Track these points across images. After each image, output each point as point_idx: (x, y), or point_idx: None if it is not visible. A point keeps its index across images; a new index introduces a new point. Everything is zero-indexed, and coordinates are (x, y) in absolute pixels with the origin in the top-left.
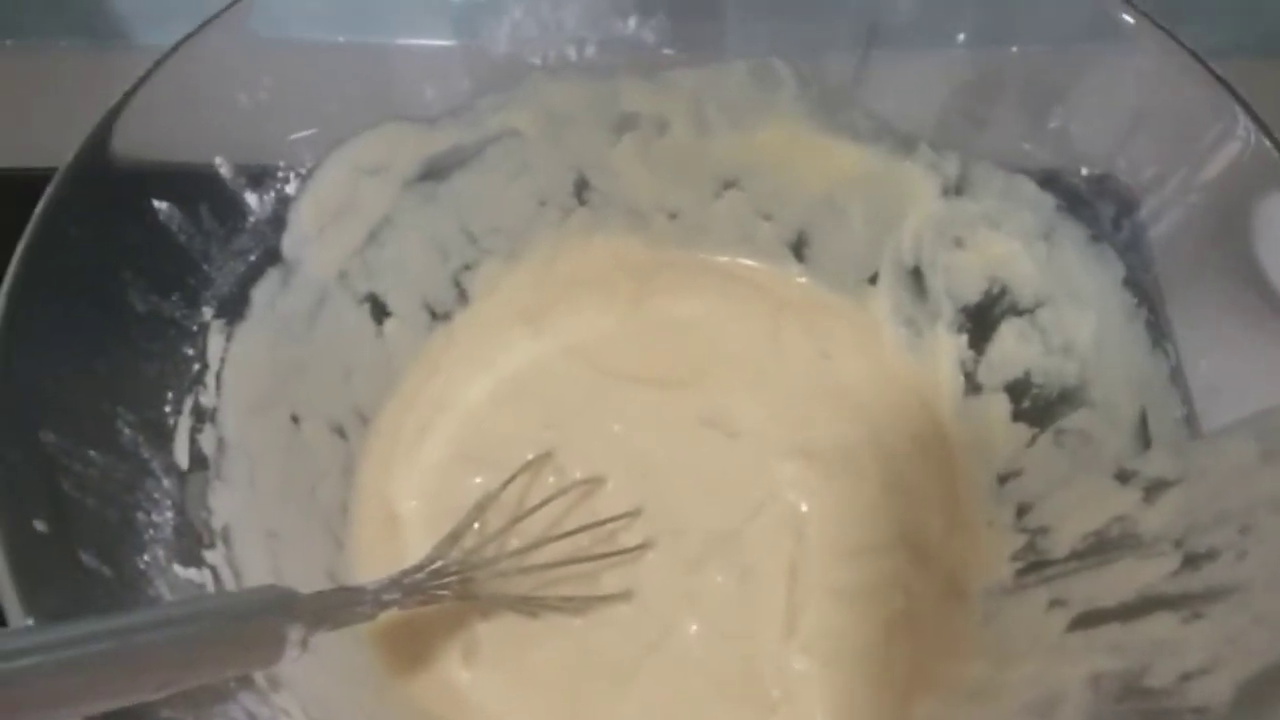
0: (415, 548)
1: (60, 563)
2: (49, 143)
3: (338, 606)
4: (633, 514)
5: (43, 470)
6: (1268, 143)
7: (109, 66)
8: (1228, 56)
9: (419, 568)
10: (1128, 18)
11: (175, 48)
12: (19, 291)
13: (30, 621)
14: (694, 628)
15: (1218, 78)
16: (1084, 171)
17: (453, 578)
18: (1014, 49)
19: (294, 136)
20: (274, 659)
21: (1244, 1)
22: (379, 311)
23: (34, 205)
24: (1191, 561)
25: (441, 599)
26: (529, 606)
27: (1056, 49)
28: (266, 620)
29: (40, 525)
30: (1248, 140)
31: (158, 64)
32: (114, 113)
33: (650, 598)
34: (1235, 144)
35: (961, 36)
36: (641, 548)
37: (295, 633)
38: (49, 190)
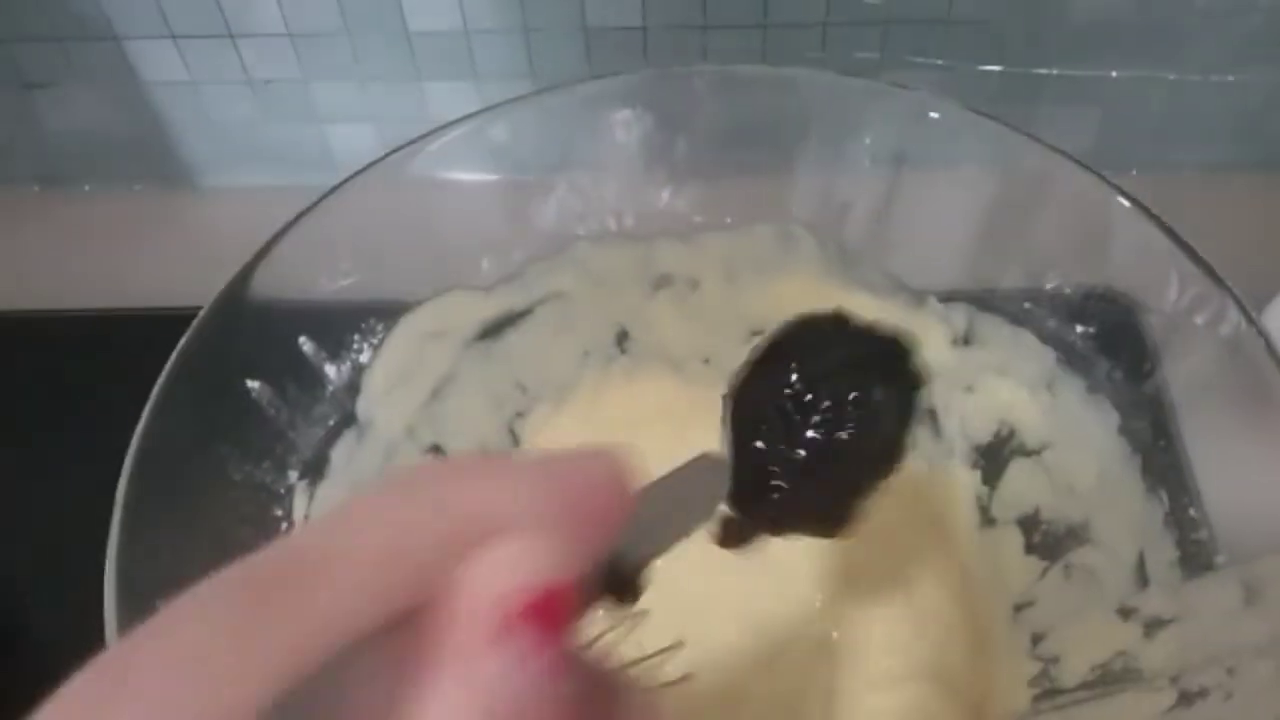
0: None
1: None
2: (124, 283)
3: None
4: (676, 646)
5: None
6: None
7: (176, 209)
8: (1230, 171)
9: None
10: (1122, 201)
11: (261, 253)
12: (136, 476)
13: None
14: None
15: (1201, 262)
16: (1079, 329)
17: None
18: (1015, 217)
19: (369, 313)
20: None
21: (1245, 119)
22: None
23: (110, 343)
24: (1186, 699)
25: None
26: None
27: (1047, 215)
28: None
29: None
30: (1237, 325)
31: (247, 269)
32: (209, 315)
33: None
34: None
35: (966, 205)
36: (685, 679)
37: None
38: (157, 387)
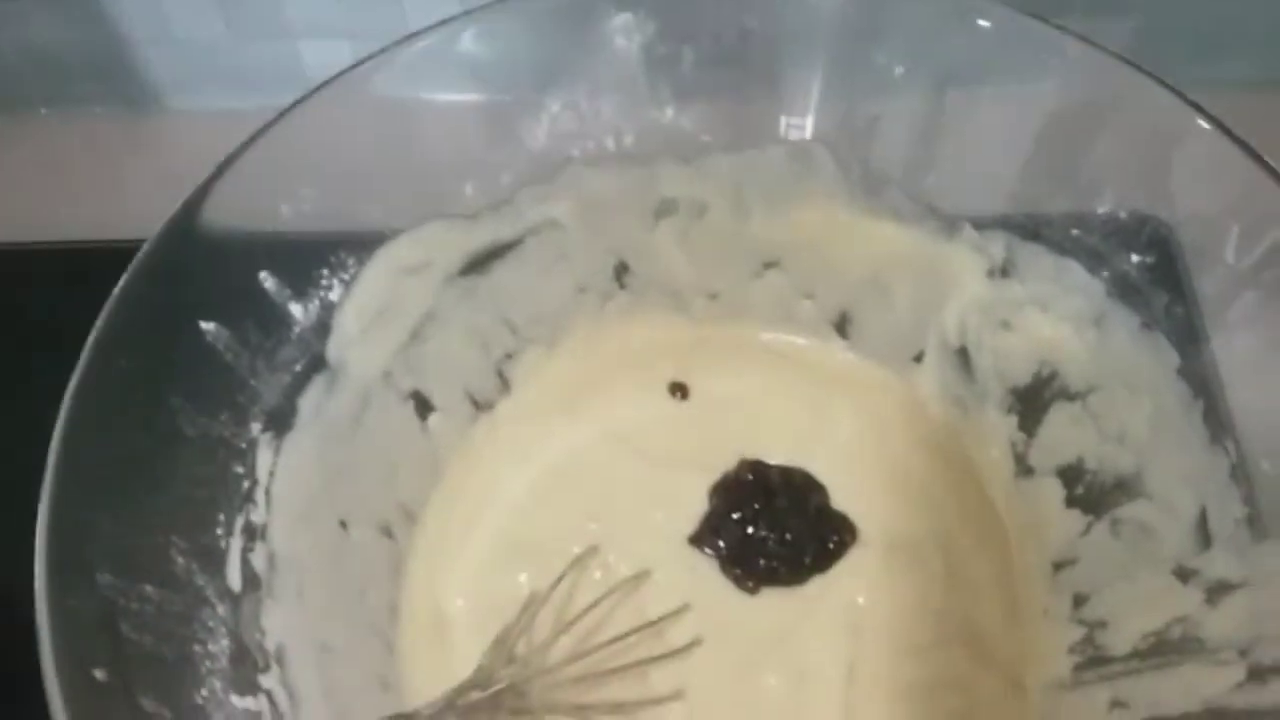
0: (464, 646)
1: (121, 712)
2: (84, 213)
3: None
4: (680, 611)
5: (101, 615)
6: None
7: (140, 132)
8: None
9: (472, 684)
10: (1203, 123)
11: (214, 175)
12: (71, 432)
13: None
14: None
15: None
16: (1134, 258)
17: (507, 693)
18: (1065, 130)
19: (337, 245)
20: None
21: None
22: (423, 407)
23: (74, 276)
24: (1258, 675)
25: (497, 716)
26: (582, 715)
27: (1109, 135)
28: None
29: (100, 674)
30: None
31: (200, 190)
32: (156, 243)
33: (701, 699)
34: None
35: (1008, 117)
36: (690, 646)
37: None
38: (97, 326)
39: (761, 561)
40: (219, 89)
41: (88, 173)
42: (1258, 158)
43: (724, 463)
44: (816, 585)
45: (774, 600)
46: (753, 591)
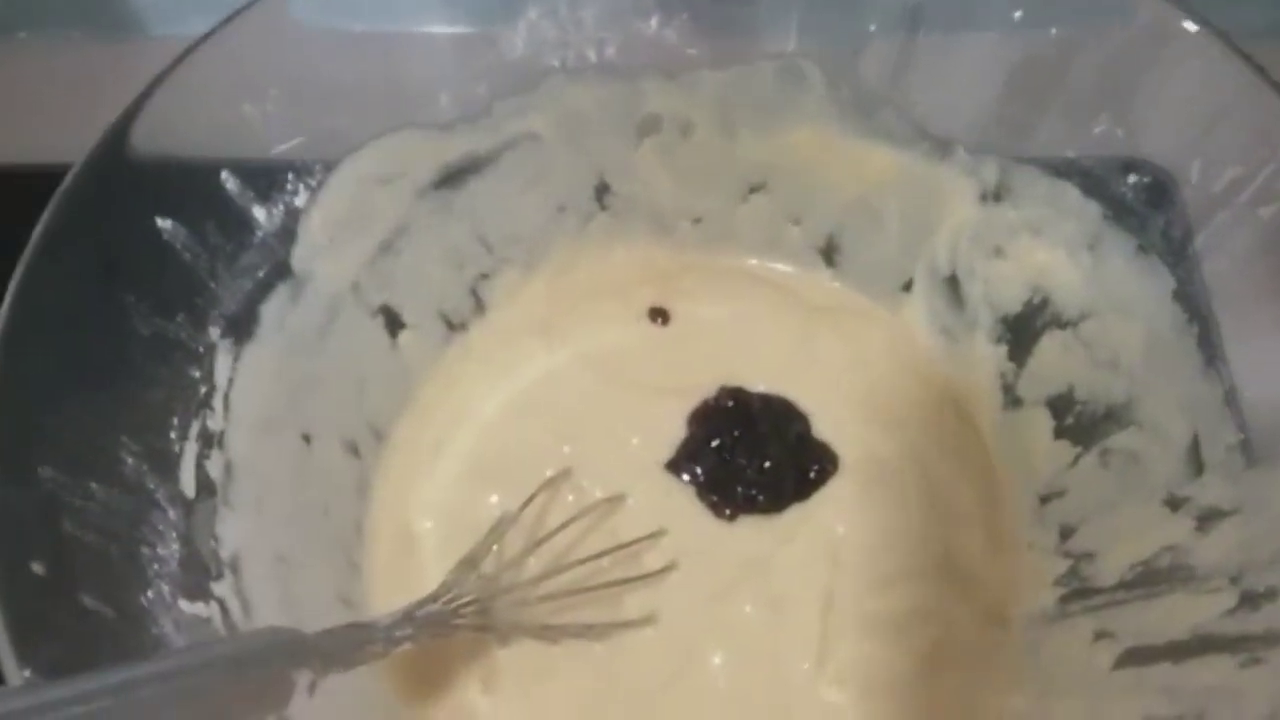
0: (432, 568)
1: (59, 607)
2: (59, 138)
3: (348, 647)
4: (655, 535)
5: (42, 509)
6: None
7: (121, 59)
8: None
9: (434, 598)
10: (1188, 25)
11: (177, 61)
12: (15, 320)
13: (27, 674)
14: (719, 658)
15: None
16: (1131, 179)
17: (469, 608)
18: (1060, 47)
19: (303, 148)
20: (281, 705)
21: None
22: (393, 323)
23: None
24: (1249, 600)
25: (457, 631)
26: (549, 634)
27: (1105, 50)
28: (274, 666)
29: (39, 568)
30: None
31: (160, 77)
32: (117, 126)
33: (674, 624)
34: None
35: (1002, 32)
36: (665, 570)
37: (304, 678)
38: (49, 209)
39: (739, 489)
40: (201, 16)
41: (66, 98)
42: (1257, 69)
43: (703, 389)
44: (795, 514)
45: (751, 528)
46: (730, 519)
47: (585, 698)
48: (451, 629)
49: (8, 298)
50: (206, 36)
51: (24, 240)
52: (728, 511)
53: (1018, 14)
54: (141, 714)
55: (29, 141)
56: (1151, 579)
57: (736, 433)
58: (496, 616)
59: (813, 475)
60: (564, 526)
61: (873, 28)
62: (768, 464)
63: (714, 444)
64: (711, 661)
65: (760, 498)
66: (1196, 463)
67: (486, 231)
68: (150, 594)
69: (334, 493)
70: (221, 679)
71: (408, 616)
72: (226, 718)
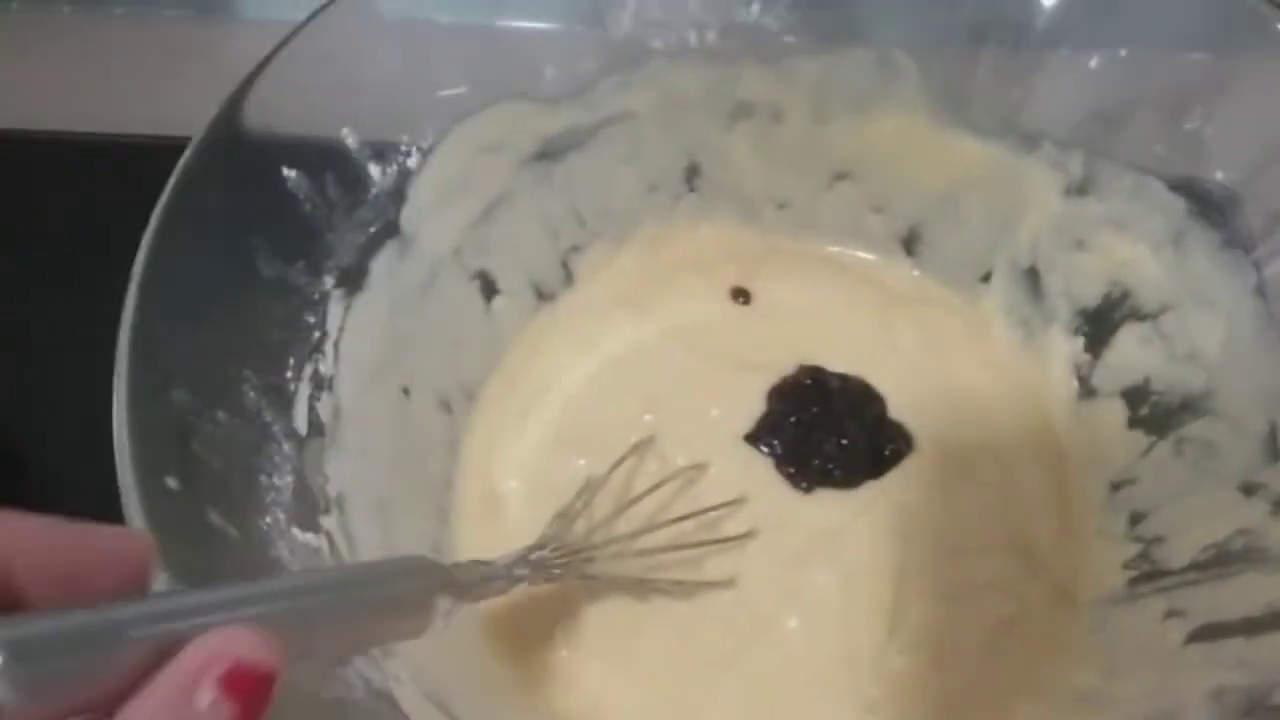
0: (515, 527)
1: (191, 520)
2: (164, 111)
3: (479, 579)
4: (736, 503)
5: (175, 428)
6: None
7: (215, 39)
8: None
9: (542, 545)
10: None
11: (304, 23)
12: (155, 254)
13: (165, 577)
14: (793, 622)
15: None
16: (1219, 175)
17: (574, 557)
18: (1155, 50)
19: (418, 112)
20: (422, 629)
21: None
22: (488, 288)
23: (151, 174)
24: None
25: (561, 578)
26: (640, 589)
27: (1197, 53)
28: (420, 589)
29: (172, 482)
30: None
31: (288, 39)
32: (246, 84)
33: (751, 590)
34: None
35: (1099, 35)
36: (745, 536)
37: (443, 603)
38: (184, 157)
39: (816, 462)
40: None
41: (160, 72)
42: None
43: (783, 367)
44: (870, 490)
45: (827, 501)
46: (806, 490)
47: (665, 656)
48: (558, 575)
49: (146, 237)
50: (316, 14)
51: (125, 201)
52: (804, 484)
53: (1123, 51)
54: (306, 621)
55: (126, 114)
56: (1224, 560)
57: (815, 409)
58: (599, 566)
59: (888, 454)
60: (650, 491)
61: (966, 28)
62: (844, 441)
63: (792, 419)
64: (787, 625)
65: (836, 472)
66: (1273, 451)
67: (581, 205)
68: (268, 519)
69: (429, 446)
70: (375, 594)
71: (522, 559)
72: (377, 634)
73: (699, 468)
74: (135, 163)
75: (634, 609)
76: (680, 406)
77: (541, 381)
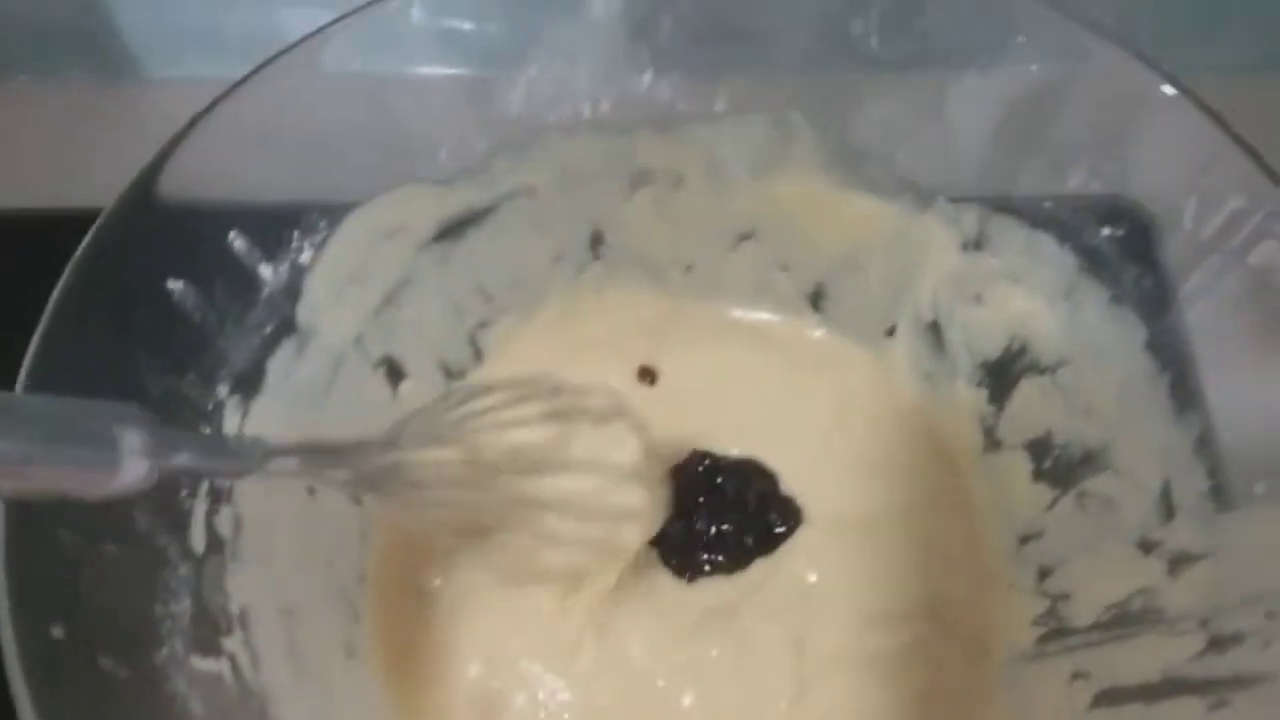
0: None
1: (79, 668)
2: (63, 180)
3: (202, 447)
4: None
5: (61, 571)
6: None
7: (122, 99)
8: (1260, 74)
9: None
10: (1167, 89)
11: (183, 133)
12: (34, 378)
13: None
14: (689, 699)
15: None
16: (1106, 231)
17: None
18: (1042, 97)
19: (309, 205)
20: (107, 472)
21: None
22: (395, 374)
23: (44, 241)
24: (1217, 644)
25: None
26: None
27: (1085, 102)
28: (96, 416)
29: (58, 632)
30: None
31: (164, 152)
32: (119, 209)
33: (643, 663)
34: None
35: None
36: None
37: (132, 439)
38: (62, 280)
39: (700, 554)
40: (199, 57)
41: (65, 140)
42: (1222, 123)
43: (680, 451)
44: (760, 568)
45: (714, 585)
46: (690, 581)
47: None
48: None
49: (28, 358)
50: (213, 106)
51: (24, 279)
52: (688, 575)
53: (996, 71)
54: None
55: (31, 184)
56: (1124, 621)
57: (701, 498)
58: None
59: (779, 530)
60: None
61: (858, 85)
62: (726, 528)
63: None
64: (681, 703)
65: (720, 559)
66: (1168, 508)
67: (485, 281)
68: (164, 651)
69: (339, 542)
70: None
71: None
72: (42, 465)
73: None
74: (40, 235)
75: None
76: None
77: None
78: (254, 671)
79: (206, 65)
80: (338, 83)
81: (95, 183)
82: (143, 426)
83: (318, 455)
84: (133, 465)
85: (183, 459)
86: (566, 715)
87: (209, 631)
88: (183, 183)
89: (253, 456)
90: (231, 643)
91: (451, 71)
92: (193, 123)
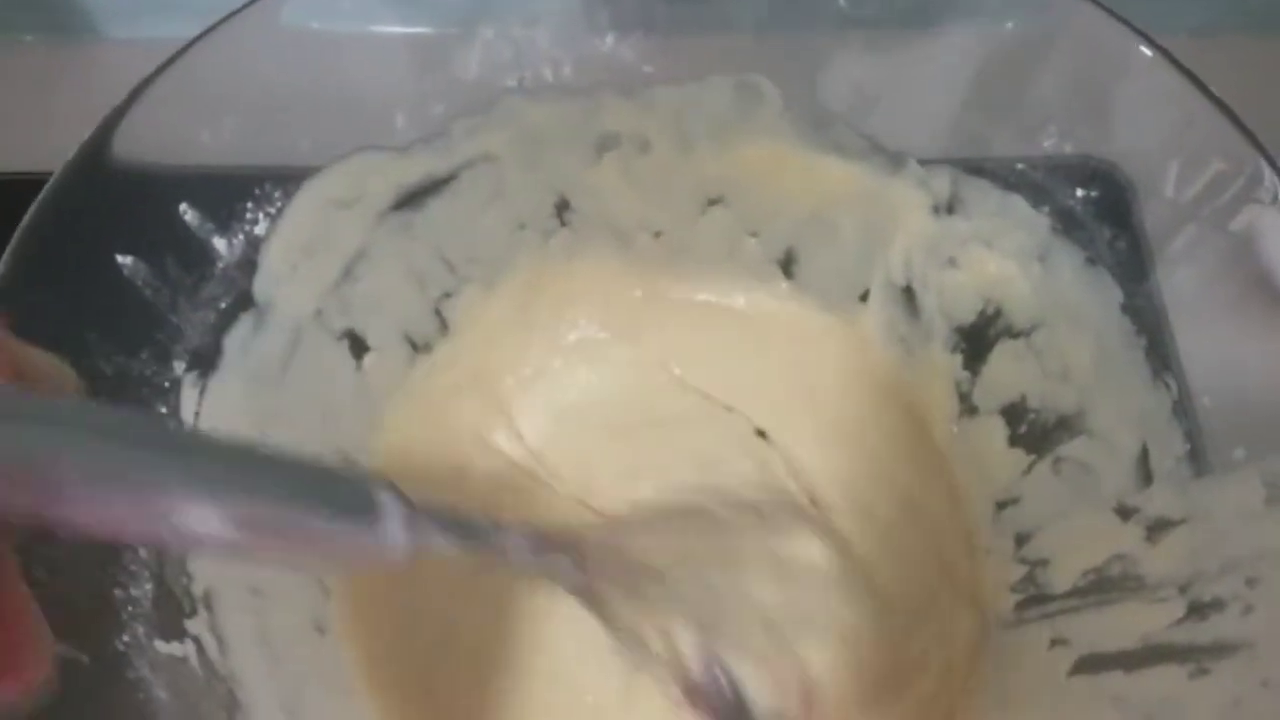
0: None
1: None
2: (12, 143)
3: (455, 527)
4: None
5: (15, 556)
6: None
7: (76, 60)
8: (1217, 34)
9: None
10: (1145, 49)
11: (130, 99)
12: None
13: None
14: None
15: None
16: (1079, 193)
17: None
18: (1015, 55)
19: (262, 175)
20: (370, 551)
21: None
22: (358, 347)
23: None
24: (1197, 610)
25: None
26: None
27: (1061, 62)
28: (356, 479)
29: None
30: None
31: (110, 120)
32: (63, 180)
33: None
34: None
35: (955, 51)
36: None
37: (393, 505)
38: (3, 260)
39: None
40: (155, 17)
41: (17, 102)
42: (1201, 86)
43: (660, 418)
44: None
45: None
46: None
47: None
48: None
49: None
50: (160, 71)
51: None
52: None
53: (972, 32)
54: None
55: None
56: (1103, 587)
57: None
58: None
59: None
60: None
61: (825, 46)
62: None
63: None
64: None
65: None
66: (1146, 472)
67: (447, 251)
68: (125, 637)
69: None
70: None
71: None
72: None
73: None
74: None
75: None
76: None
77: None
78: (220, 654)
79: (162, 25)
80: (294, 42)
81: (50, 146)
82: (400, 495)
83: (544, 540)
84: (397, 540)
85: (438, 541)
86: None
87: (172, 615)
88: (130, 149)
89: (491, 543)
90: (196, 625)
91: (404, 34)
92: (140, 88)
